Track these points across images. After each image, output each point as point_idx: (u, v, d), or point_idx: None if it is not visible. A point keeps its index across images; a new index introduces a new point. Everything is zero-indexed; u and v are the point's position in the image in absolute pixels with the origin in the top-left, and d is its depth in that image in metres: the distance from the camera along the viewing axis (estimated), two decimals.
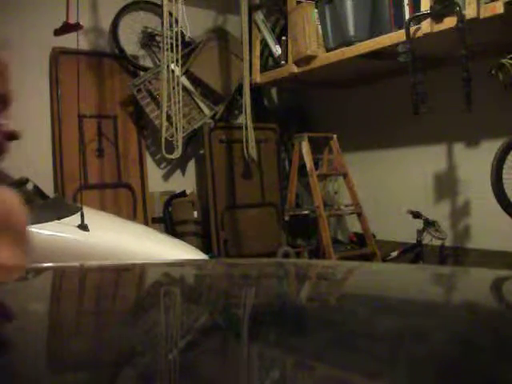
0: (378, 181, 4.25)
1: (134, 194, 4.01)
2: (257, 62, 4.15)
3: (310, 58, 3.67)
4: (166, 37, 3.55)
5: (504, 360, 0.46)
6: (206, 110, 4.17)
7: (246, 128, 3.32)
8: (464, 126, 3.53)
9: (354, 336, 0.55)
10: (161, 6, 3.66)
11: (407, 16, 3.05)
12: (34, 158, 3.66)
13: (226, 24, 4.56)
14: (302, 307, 0.73)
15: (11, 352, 0.51)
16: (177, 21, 3.70)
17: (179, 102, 3.25)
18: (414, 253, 3.51)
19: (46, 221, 2.24)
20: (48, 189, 3.25)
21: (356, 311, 0.68)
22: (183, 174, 4.40)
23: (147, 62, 4.20)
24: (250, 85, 4.31)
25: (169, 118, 4.03)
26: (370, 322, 0.61)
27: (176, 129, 3.51)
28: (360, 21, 3.37)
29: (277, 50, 3.99)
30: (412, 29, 2.94)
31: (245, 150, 3.48)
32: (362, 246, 4.00)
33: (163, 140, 3.21)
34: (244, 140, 3.19)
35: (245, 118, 3.35)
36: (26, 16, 3.68)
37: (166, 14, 3.19)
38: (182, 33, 4.11)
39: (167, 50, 3.58)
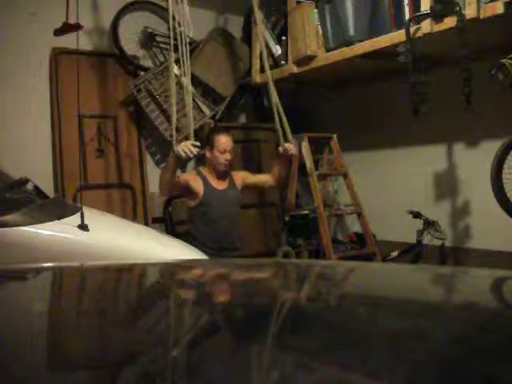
0: (378, 181, 4.25)
1: (134, 193, 4.01)
2: (257, 62, 4.15)
3: (310, 58, 3.67)
4: (170, 37, 3.56)
5: (504, 360, 0.46)
6: (206, 110, 4.17)
7: (280, 119, 3.24)
8: (464, 126, 3.53)
9: (354, 336, 0.55)
10: (161, 7, 3.66)
11: (407, 16, 3.05)
12: (33, 158, 3.66)
13: (227, 24, 4.57)
14: (302, 307, 0.73)
15: (11, 351, 0.51)
16: (179, 22, 3.70)
17: (182, 100, 3.25)
18: (413, 253, 3.51)
19: (46, 221, 2.24)
20: (48, 189, 3.25)
21: (356, 311, 0.68)
22: None
23: (147, 62, 4.20)
24: (250, 85, 4.32)
25: (169, 118, 4.03)
26: (370, 322, 0.61)
27: (176, 127, 3.48)
28: (360, 21, 3.36)
29: (277, 50, 3.99)
30: (412, 29, 2.93)
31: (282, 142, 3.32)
32: (362, 246, 4.00)
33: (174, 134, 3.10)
34: (280, 134, 3.15)
35: (276, 110, 3.25)
36: (26, 16, 3.68)
37: (171, 14, 3.17)
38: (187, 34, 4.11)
39: (166, 49, 3.58)
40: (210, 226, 2.93)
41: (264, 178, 3.25)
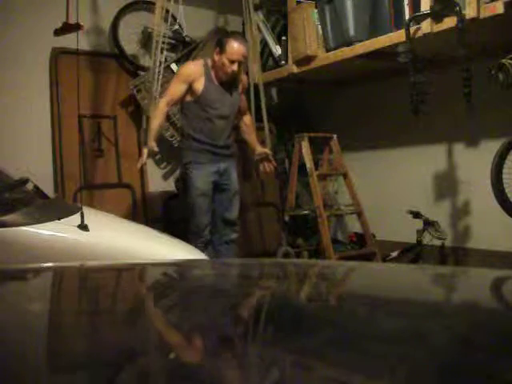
0: (378, 180, 4.25)
1: (134, 193, 4.01)
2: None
3: (310, 58, 3.67)
4: (162, 35, 3.58)
5: (504, 360, 0.46)
6: None
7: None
8: (464, 125, 3.53)
9: (354, 336, 0.55)
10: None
11: (407, 16, 3.05)
12: (34, 158, 3.66)
13: (227, 24, 4.56)
14: (302, 307, 0.73)
15: (11, 352, 0.51)
16: (176, 20, 3.71)
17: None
18: (413, 253, 3.51)
19: (46, 221, 2.23)
20: (48, 189, 3.25)
21: (356, 311, 0.68)
22: None
23: (147, 62, 4.19)
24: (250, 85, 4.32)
25: (168, 117, 4.03)
26: (370, 322, 0.61)
27: (176, 127, 3.49)
28: (360, 21, 3.36)
29: (277, 49, 3.99)
30: (412, 29, 2.94)
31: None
32: (362, 246, 3.99)
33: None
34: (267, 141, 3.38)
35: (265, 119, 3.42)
36: (26, 16, 3.68)
37: (158, 11, 3.18)
38: (180, 32, 4.11)
39: (165, 49, 3.59)
40: (206, 124, 2.84)
41: (243, 117, 3.20)
